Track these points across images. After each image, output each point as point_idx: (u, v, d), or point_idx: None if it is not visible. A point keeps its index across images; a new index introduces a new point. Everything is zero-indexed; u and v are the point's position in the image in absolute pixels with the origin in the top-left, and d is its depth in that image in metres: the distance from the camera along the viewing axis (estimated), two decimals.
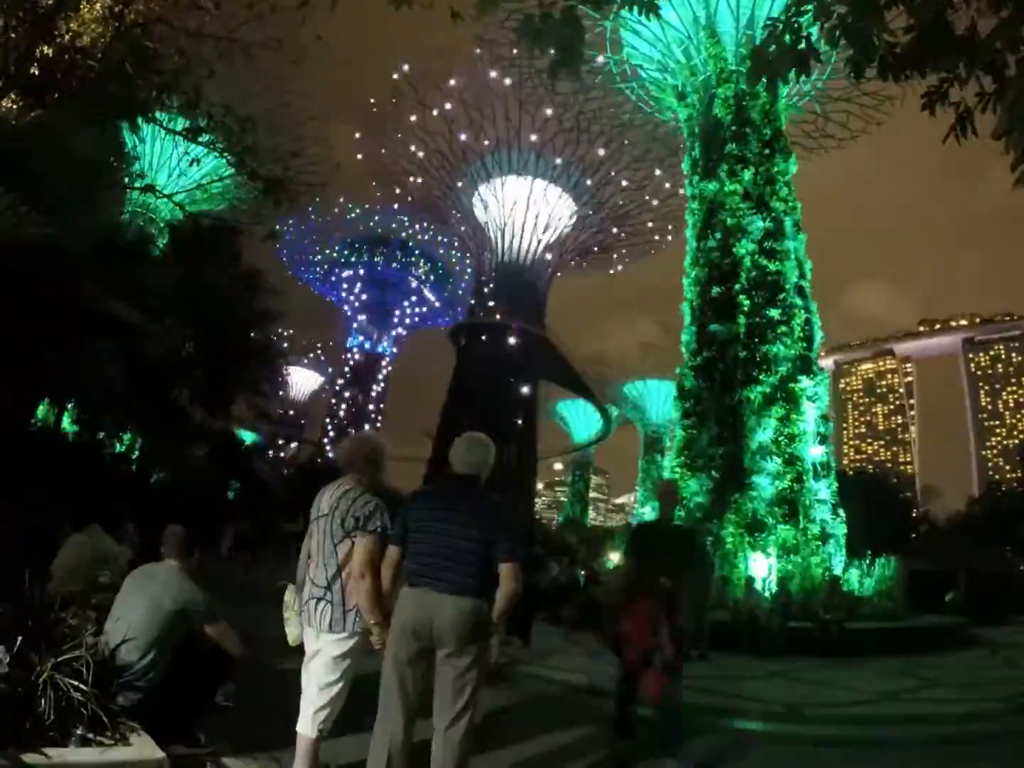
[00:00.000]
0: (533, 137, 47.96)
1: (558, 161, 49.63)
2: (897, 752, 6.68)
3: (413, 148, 50.53)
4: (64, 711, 3.83)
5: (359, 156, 50.85)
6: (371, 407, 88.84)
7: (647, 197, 52.04)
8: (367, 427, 77.22)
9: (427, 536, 3.69)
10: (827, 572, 18.27)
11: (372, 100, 48.16)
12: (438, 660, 3.58)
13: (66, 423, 16.23)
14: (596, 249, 58.49)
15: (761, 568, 18.55)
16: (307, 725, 3.91)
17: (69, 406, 15.10)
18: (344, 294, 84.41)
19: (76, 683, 3.90)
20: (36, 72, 6.75)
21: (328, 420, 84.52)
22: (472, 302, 56.84)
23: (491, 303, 53.06)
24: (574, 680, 9.08)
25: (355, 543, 3.94)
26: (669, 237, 54.85)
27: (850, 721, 7.71)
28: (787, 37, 3.64)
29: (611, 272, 64.20)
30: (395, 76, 46.37)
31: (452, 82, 45.22)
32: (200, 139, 10.22)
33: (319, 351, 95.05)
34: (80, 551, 6.43)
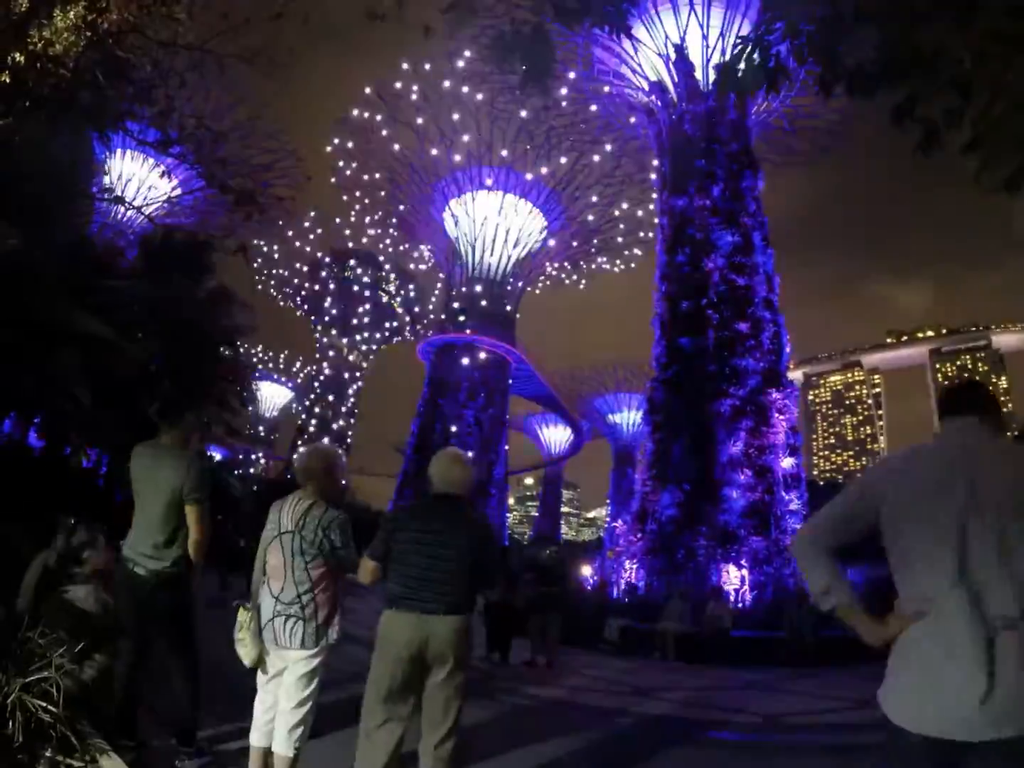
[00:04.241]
0: (504, 152, 48.20)
1: (528, 176, 49.88)
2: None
3: (384, 162, 50.55)
4: (33, 733, 3.73)
5: (330, 170, 50.70)
6: (341, 422, 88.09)
7: (616, 213, 52.50)
8: (335, 442, 76.67)
9: (412, 557, 3.66)
10: (799, 582, 18.43)
11: (343, 114, 48.09)
12: (429, 680, 3.56)
13: (32, 437, 15.92)
14: (566, 264, 58.81)
15: (734, 579, 18.67)
16: (284, 744, 3.84)
17: (36, 421, 14.82)
18: (314, 309, 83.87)
19: (45, 704, 3.81)
20: (7, 80, 6.67)
21: (298, 435, 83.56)
22: (443, 317, 56.72)
23: (461, 318, 53.01)
24: (551, 694, 9.05)
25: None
26: (638, 252, 55.37)
27: (827, 728, 7.76)
28: (757, 55, 3.71)
29: (580, 286, 64.27)
30: (367, 90, 46.36)
31: (424, 97, 45.34)
32: (171, 151, 10.14)
33: (288, 366, 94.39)
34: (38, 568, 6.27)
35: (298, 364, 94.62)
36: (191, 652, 4.65)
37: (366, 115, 47.21)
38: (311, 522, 3.96)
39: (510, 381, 56.07)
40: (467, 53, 35.46)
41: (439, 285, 62.45)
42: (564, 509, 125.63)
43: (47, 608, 5.08)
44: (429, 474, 3.91)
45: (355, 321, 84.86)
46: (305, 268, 78.08)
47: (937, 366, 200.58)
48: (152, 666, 4.67)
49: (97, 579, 5.29)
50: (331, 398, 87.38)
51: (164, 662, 4.64)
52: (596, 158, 46.14)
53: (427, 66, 43.20)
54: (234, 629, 4.02)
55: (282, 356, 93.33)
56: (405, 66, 44.20)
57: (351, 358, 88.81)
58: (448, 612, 3.55)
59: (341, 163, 50.37)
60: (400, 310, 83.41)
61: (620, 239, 55.43)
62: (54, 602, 5.18)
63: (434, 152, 48.95)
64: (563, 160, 47.88)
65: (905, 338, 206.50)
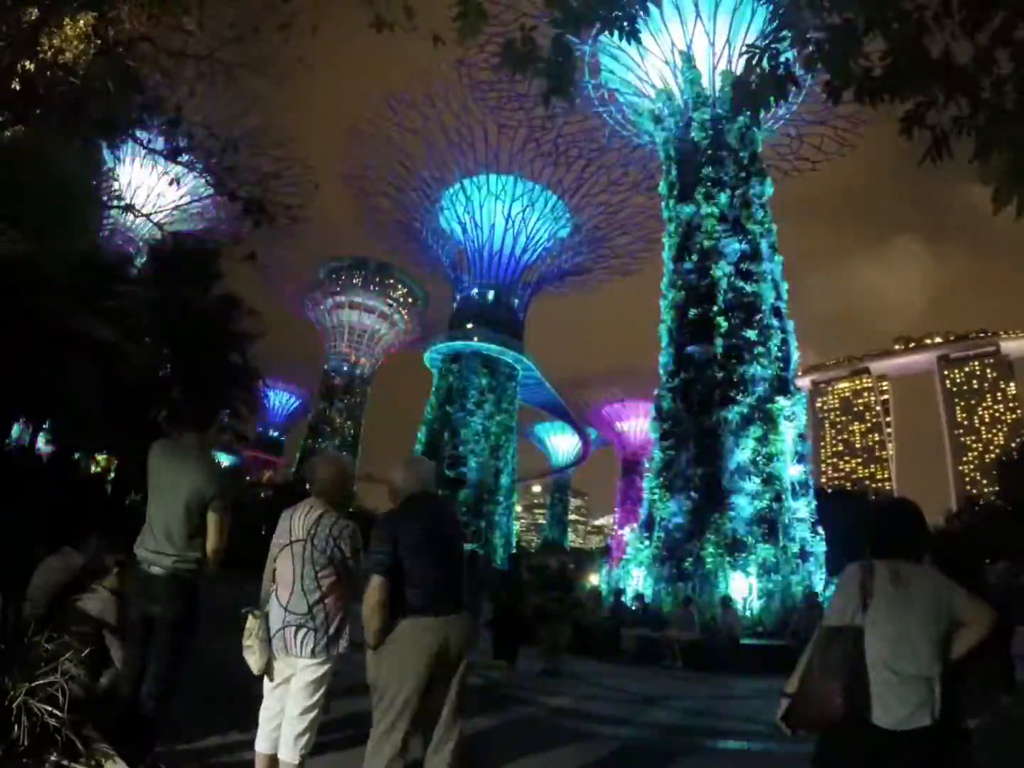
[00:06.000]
0: (511, 160, 48.35)
1: (536, 184, 50.01)
2: None
3: (393, 170, 50.83)
4: (38, 738, 3.74)
5: (340, 177, 50.95)
6: (350, 429, 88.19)
7: (623, 220, 52.58)
8: (344, 450, 76.74)
9: (425, 560, 3.54)
10: (807, 590, 18.32)
11: (352, 122, 48.40)
12: (443, 681, 3.53)
13: (41, 443, 15.99)
14: (573, 271, 58.88)
15: (741, 588, 18.57)
16: (289, 751, 3.82)
17: (44, 426, 14.88)
18: (322, 316, 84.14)
19: (51, 709, 3.81)
20: (17, 87, 6.73)
21: (306, 442, 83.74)
22: (450, 324, 56.80)
23: (469, 325, 53.11)
24: (558, 703, 9.01)
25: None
26: (645, 258, 55.46)
27: None
28: (766, 63, 3.70)
29: (588, 293, 64.35)
30: (376, 98, 46.65)
31: (433, 104, 45.59)
32: (180, 159, 10.19)
33: (296, 372, 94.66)
34: (51, 574, 6.29)
35: (306, 371, 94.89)
36: (178, 659, 4.49)
37: (375, 123, 47.46)
38: (322, 531, 3.94)
39: (518, 388, 56.13)
40: (475, 61, 35.59)
41: (447, 292, 62.60)
42: (571, 517, 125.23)
43: (61, 616, 5.08)
44: (404, 479, 3.78)
45: (363, 328, 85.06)
46: (313, 274, 78.40)
47: (945, 373, 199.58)
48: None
49: (114, 590, 5.29)
50: (338, 405, 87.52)
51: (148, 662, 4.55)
52: (600, 167, 46.24)
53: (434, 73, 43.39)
54: (243, 636, 3.99)
55: (290, 362, 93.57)
56: (413, 74, 44.42)
57: (358, 365, 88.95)
58: (458, 612, 3.55)
59: (346, 171, 50.60)
60: (408, 317, 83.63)
61: (627, 246, 55.51)
62: (69, 611, 5.18)
63: (442, 159, 49.14)
64: (570, 168, 47.97)
65: (913, 344, 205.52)
